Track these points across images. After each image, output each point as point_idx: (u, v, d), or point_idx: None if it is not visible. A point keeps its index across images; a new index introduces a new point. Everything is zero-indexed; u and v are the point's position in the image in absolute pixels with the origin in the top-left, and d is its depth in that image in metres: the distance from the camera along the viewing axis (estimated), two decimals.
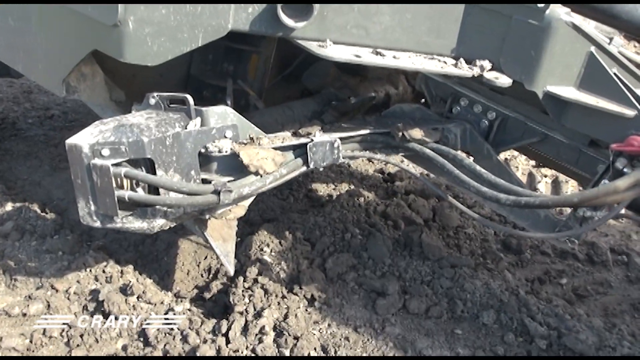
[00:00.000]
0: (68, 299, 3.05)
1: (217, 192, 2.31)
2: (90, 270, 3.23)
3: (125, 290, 3.06)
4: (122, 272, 3.23)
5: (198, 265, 3.45)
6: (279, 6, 2.16)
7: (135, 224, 2.28)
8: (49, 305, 2.98)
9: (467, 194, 4.33)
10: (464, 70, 2.36)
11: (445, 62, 2.38)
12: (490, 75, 2.35)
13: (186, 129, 2.34)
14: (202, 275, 3.40)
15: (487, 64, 2.37)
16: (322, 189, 4.53)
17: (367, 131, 2.76)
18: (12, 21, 2.77)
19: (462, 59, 2.39)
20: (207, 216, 2.55)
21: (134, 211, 2.27)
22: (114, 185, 2.12)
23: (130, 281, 3.12)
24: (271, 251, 3.38)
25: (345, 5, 2.27)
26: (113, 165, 2.10)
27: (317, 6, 2.15)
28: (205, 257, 3.50)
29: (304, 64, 3.64)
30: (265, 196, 4.17)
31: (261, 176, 2.48)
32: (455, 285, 3.22)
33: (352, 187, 4.59)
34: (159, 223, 2.32)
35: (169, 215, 2.32)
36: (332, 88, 3.47)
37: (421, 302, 3.09)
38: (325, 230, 3.60)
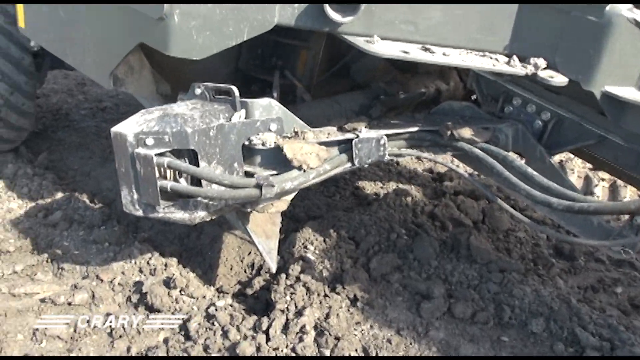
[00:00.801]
0: (112, 289, 3.08)
1: (259, 186, 2.28)
2: (135, 262, 3.26)
3: (168, 283, 3.07)
4: (166, 264, 3.24)
5: (241, 261, 3.44)
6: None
7: (177, 214, 2.28)
8: (93, 295, 3.02)
9: (519, 197, 4.21)
10: (517, 68, 2.26)
11: (497, 60, 2.29)
12: (545, 74, 2.25)
13: (230, 120, 2.32)
14: (245, 271, 3.39)
15: (541, 62, 2.26)
16: (369, 187, 4.47)
17: (415, 128, 2.68)
18: (63, 13, 2.79)
19: (515, 57, 2.29)
20: (249, 209, 2.52)
21: (175, 202, 2.27)
22: (157, 175, 2.12)
23: (173, 274, 3.13)
24: (315, 249, 3.34)
25: None
26: (156, 155, 2.10)
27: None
28: (249, 253, 3.48)
29: (354, 59, 3.59)
30: (311, 193, 4.13)
31: (304, 171, 2.45)
32: (504, 291, 3.11)
33: (400, 185, 4.51)
34: (200, 214, 2.30)
35: (211, 207, 2.31)
36: (381, 82, 3.40)
37: (467, 307, 2.99)
38: (370, 229, 3.53)
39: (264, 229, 2.90)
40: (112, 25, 2.48)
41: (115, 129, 2.19)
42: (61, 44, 2.92)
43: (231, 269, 3.39)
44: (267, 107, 2.38)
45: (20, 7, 3.17)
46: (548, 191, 2.28)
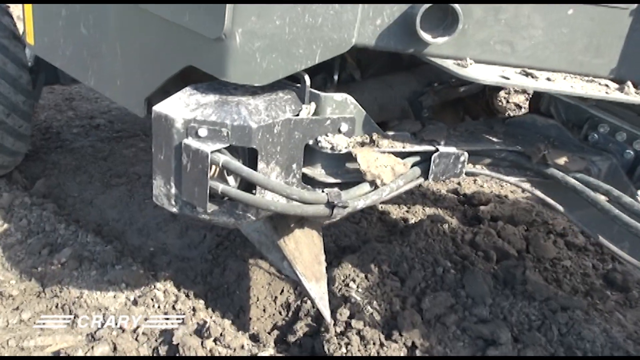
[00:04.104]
0: (136, 339, 2.72)
1: (331, 206, 1.97)
2: (159, 307, 2.91)
3: (200, 332, 2.71)
4: (194, 309, 2.91)
5: (274, 301, 3.11)
6: (418, 17, 1.80)
7: (221, 218, 1.96)
8: (115, 347, 2.64)
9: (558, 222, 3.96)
10: (632, 96, 1.97)
11: (607, 86, 2.00)
12: None
13: (298, 115, 1.99)
14: (280, 313, 3.06)
15: None
16: (395, 212, 4.16)
17: (497, 147, 2.36)
18: (85, 29, 2.44)
19: (629, 83, 2.00)
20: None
21: (221, 205, 1.95)
22: (209, 175, 1.79)
23: (205, 321, 2.77)
24: (358, 287, 3.02)
25: (490, 17, 1.91)
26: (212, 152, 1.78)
27: (461, 16, 1.80)
28: (282, 292, 3.16)
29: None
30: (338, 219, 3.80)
31: (376, 187, 2.12)
32: (571, 332, 2.83)
33: (428, 209, 4.21)
34: (248, 220, 2.00)
35: (261, 213, 1.99)
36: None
37: (537, 353, 2.69)
38: (414, 263, 3.23)
39: (313, 272, 2.58)
40: (152, 46, 2.14)
41: (160, 109, 1.85)
42: (80, 65, 2.56)
43: (264, 310, 3.06)
44: (341, 104, 2.05)
45: (29, 21, 2.80)
46: None
